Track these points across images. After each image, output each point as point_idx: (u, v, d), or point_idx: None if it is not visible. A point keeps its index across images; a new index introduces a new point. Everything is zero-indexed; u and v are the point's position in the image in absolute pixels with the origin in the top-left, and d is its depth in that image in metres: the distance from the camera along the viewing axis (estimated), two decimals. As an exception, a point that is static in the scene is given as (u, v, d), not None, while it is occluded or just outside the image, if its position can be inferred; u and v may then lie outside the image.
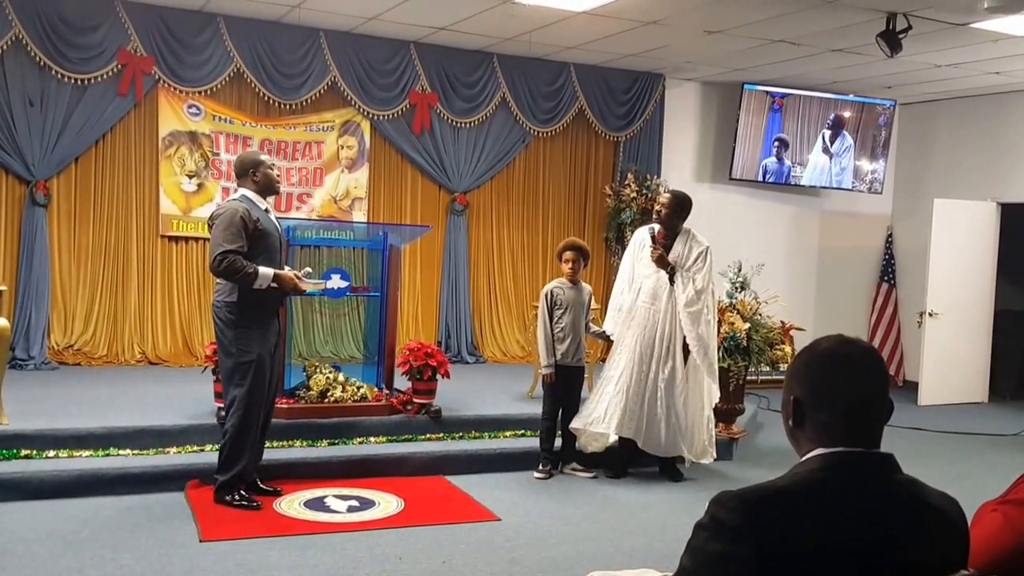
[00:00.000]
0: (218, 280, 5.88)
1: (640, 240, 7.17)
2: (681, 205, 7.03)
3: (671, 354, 6.97)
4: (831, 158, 11.92)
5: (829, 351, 1.95)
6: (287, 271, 5.97)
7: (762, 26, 8.76)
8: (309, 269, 6.45)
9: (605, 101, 11.24)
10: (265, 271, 5.74)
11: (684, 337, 6.94)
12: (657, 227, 7.10)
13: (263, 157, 6.10)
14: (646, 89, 11.39)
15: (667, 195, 7.17)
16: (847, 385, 1.92)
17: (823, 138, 11.84)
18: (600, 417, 7.01)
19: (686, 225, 7.08)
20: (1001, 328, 11.64)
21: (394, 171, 10.62)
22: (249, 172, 5.96)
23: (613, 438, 7.12)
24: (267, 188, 6.02)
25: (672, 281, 6.95)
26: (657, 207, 7.19)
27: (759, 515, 1.78)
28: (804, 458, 1.93)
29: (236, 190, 6.10)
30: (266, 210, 6.00)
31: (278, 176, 6.18)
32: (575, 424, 7.12)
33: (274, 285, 5.78)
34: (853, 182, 12.13)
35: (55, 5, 8.90)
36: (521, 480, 6.95)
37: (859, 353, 1.95)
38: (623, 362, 7.02)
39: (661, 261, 6.92)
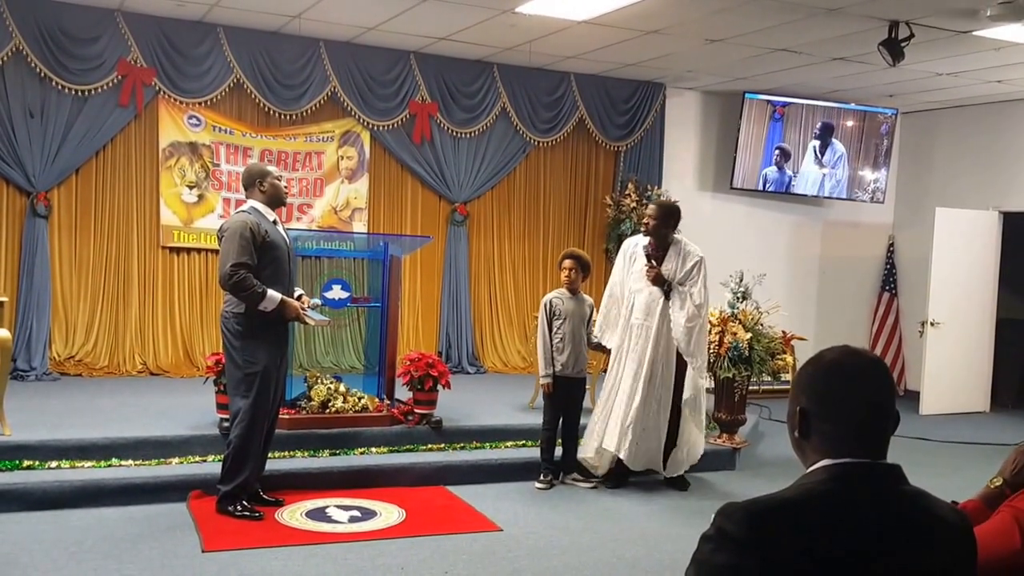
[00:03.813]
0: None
1: (630, 252, 7.07)
2: (668, 215, 6.92)
3: (667, 370, 6.93)
4: (822, 169, 11.88)
5: (836, 362, 1.94)
6: (294, 302, 5.95)
7: (763, 35, 8.76)
8: (317, 301, 6.45)
9: (606, 111, 11.24)
10: (273, 295, 5.74)
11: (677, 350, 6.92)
12: (647, 239, 7.02)
13: (270, 168, 6.12)
14: (647, 98, 11.39)
15: (653, 206, 7.05)
16: (854, 396, 1.90)
17: (813, 149, 11.81)
18: (602, 435, 6.96)
19: (677, 235, 6.98)
20: (1003, 337, 11.62)
21: (394, 181, 10.63)
22: (256, 182, 5.96)
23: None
24: (274, 198, 6.02)
25: (667, 297, 6.88)
26: (645, 219, 7.05)
27: (765, 527, 1.77)
28: (810, 469, 1.91)
29: (246, 201, 6.09)
30: (274, 222, 6.00)
31: (286, 187, 6.18)
32: (587, 455, 7.09)
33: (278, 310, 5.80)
34: (854, 191, 12.10)
35: (55, 16, 8.91)
36: (522, 490, 6.94)
37: (866, 364, 1.94)
38: (621, 378, 6.95)
39: (658, 280, 6.84)
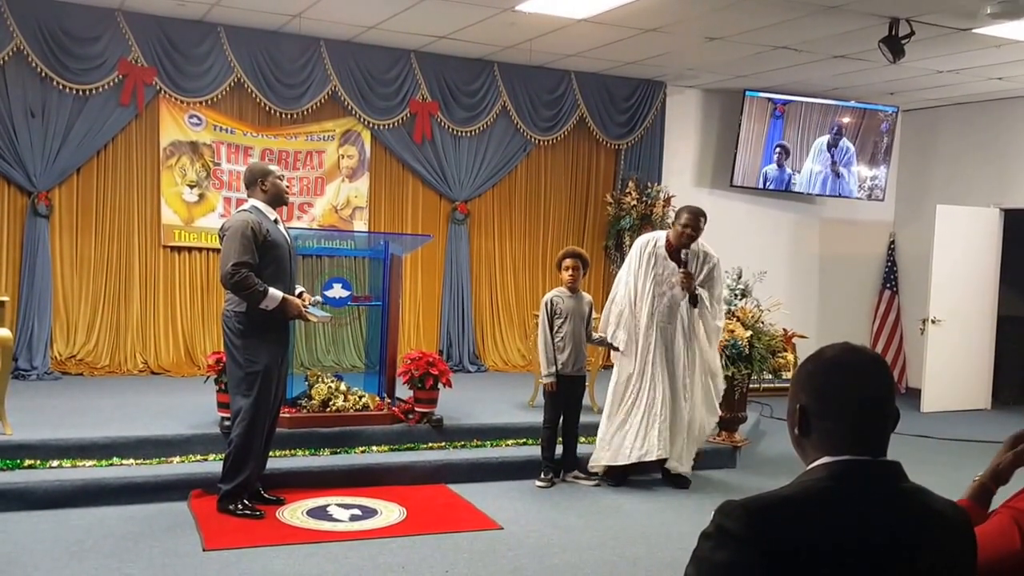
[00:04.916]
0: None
1: (649, 253, 6.96)
2: (704, 220, 6.94)
3: (693, 370, 6.96)
4: (832, 168, 11.87)
5: (835, 359, 1.94)
6: (296, 299, 5.95)
7: (764, 32, 8.76)
8: (319, 299, 6.46)
9: (606, 109, 11.24)
10: (274, 293, 5.73)
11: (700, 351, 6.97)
12: (664, 236, 7.01)
13: (272, 167, 6.10)
14: (647, 97, 11.39)
15: (699, 216, 6.86)
16: (853, 393, 1.90)
17: (824, 148, 11.81)
18: (638, 446, 6.88)
19: None
20: (1004, 334, 11.62)
21: (395, 180, 10.62)
22: (258, 181, 5.95)
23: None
24: (276, 198, 6.01)
25: (694, 302, 6.87)
26: (689, 231, 6.81)
27: (764, 524, 1.77)
28: (810, 466, 1.91)
29: (247, 200, 6.07)
30: (276, 221, 5.99)
31: (287, 186, 6.18)
32: (603, 462, 7.06)
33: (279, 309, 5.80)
34: (855, 189, 12.09)
35: (56, 16, 8.91)
36: (523, 489, 6.94)
37: (865, 361, 1.93)
38: (648, 385, 6.90)
39: (690, 286, 6.82)
